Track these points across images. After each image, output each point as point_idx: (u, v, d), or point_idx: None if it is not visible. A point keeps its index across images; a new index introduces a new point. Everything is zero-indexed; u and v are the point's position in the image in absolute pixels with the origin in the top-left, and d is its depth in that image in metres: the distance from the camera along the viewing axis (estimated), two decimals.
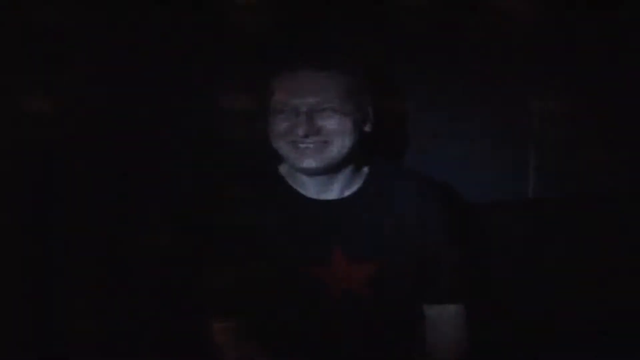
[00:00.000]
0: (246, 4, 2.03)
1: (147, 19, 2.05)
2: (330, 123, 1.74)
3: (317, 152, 1.75)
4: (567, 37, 2.11)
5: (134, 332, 2.03)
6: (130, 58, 2.05)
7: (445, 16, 2.08)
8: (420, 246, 1.81)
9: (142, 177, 2.07)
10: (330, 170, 1.79)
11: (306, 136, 1.73)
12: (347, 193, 1.83)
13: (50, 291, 2.05)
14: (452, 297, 1.84)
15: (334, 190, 1.83)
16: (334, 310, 1.80)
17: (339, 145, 1.76)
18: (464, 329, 1.84)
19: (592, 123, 2.13)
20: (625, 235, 2.10)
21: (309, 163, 1.75)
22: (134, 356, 2.00)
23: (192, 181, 2.05)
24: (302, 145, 1.75)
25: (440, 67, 2.11)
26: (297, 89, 1.74)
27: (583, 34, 2.10)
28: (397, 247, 1.81)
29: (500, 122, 2.13)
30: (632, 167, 2.14)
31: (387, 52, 2.08)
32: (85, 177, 2.05)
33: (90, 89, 2.04)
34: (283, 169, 1.86)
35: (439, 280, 1.83)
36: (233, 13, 2.03)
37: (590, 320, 2.09)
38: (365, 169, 1.86)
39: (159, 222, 2.03)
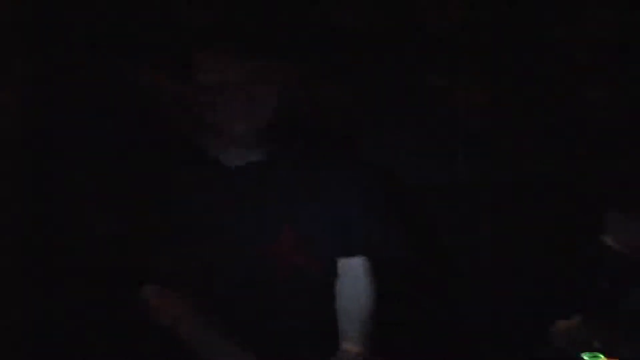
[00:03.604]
0: None
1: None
2: (256, 95, 1.92)
3: (244, 117, 1.92)
4: (492, 32, 2.26)
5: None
6: (54, 40, 2.14)
7: (377, 12, 2.22)
8: (345, 211, 1.96)
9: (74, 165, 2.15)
10: (254, 135, 1.94)
11: (236, 107, 1.91)
12: (266, 157, 1.97)
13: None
14: (356, 250, 1.96)
15: (256, 154, 1.97)
16: (284, 287, 1.93)
17: (262, 114, 1.92)
18: (366, 282, 1.96)
19: (515, 114, 2.30)
20: (548, 221, 2.25)
21: (240, 128, 1.93)
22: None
23: (127, 166, 2.09)
24: (231, 114, 1.92)
25: (377, 62, 2.26)
26: (223, 67, 1.91)
27: (505, 30, 2.26)
28: (328, 213, 1.95)
29: (430, 114, 2.29)
30: (554, 155, 2.29)
31: (323, 43, 2.21)
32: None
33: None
34: (201, 142, 1.99)
35: (349, 236, 1.96)
36: None
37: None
38: (283, 140, 2.00)
39: (97, 210, 2.08)
